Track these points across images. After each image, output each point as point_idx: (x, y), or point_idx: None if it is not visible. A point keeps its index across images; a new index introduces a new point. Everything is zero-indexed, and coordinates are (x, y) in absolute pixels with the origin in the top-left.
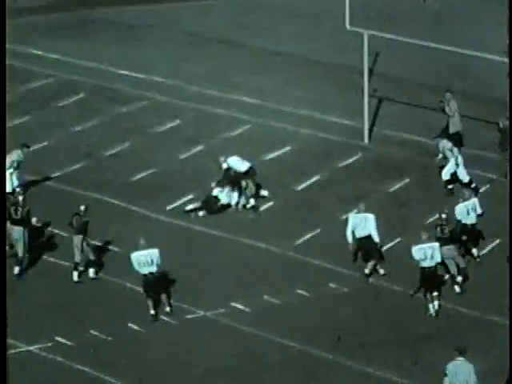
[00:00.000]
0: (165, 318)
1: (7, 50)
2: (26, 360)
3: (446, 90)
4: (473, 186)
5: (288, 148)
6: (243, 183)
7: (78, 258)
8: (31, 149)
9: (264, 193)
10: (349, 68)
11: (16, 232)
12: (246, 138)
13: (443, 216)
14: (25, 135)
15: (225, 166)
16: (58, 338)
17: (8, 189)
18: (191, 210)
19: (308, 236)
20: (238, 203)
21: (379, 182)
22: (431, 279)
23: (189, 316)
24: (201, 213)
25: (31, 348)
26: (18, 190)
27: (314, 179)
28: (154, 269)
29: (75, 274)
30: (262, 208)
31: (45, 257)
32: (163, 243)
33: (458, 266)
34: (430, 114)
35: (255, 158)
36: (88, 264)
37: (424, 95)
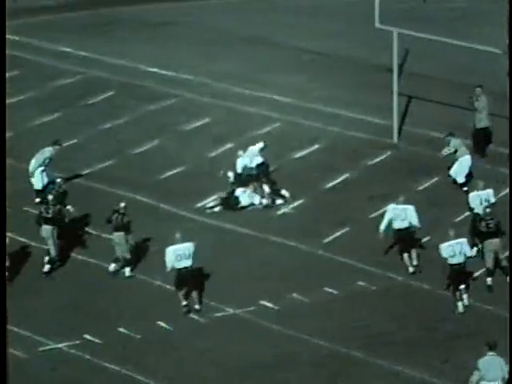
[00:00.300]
0: (194, 316)
1: (36, 47)
2: (55, 358)
3: (477, 86)
4: (465, 189)
5: (317, 146)
6: (254, 185)
7: (126, 254)
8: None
9: (284, 193)
10: (378, 66)
11: (45, 231)
12: (274, 136)
13: (487, 210)
14: (54, 133)
15: (230, 174)
16: (87, 336)
17: (39, 186)
18: (210, 207)
19: (336, 234)
20: (260, 203)
21: (408, 180)
22: (460, 276)
23: (218, 314)
24: (217, 208)
25: (60, 346)
26: (54, 185)
27: (343, 177)
28: (189, 263)
29: (127, 270)
30: (291, 206)
31: (73, 254)
32: (192, 241)
33: (496, 259)
34: (460, 112)
35: (284, 156)
36: (125, 262)
37: (453, 93)
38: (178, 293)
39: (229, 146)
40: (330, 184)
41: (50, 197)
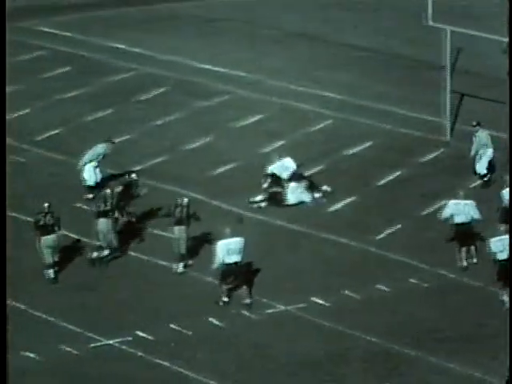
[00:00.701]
0: (245, 313)
1: (89, 43)
2: (107, 354)
3: None
4: (485, 179)
5: (369, 143)
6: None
7: (183, 249)
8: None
9: (326, 188)
10: (430, 63)
11: (102, 224)
12: (327, 133)
13: None
14: (106, 128)
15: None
16: (139, 333)
17: (91, 182)
18: (256, 202)
19: (389, 231)
20: (312, 199)
21: (460, 177)
22: (508, 271)
23: (269, 310)
24: (263, 204)
25: (111, 342)
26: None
27: (395, 175)
28: (239, 258)
29: (181, 266)
30: (343, 203)
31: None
32: (244, 237)
33: None
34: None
35: (336, 153)
36: (180, 257)
37: (505, 91)
38: (222, 287)
39: (281, 142)
40: (382, 181)
41: (108, 191)
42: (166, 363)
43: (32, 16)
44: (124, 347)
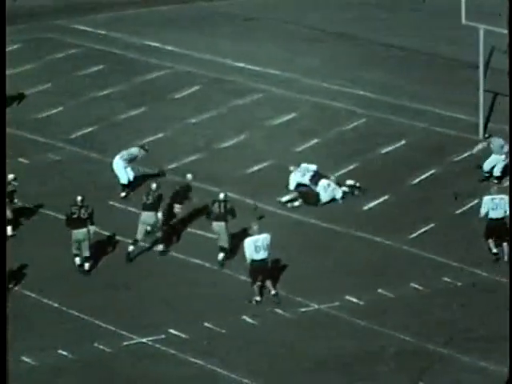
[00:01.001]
0: (279, 311)
1: (123, 41)
2: (139, 352)
3: None
4: (486, 175)
5: (403, 142)
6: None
7: (224, 242)
8: (146, 140)
9: (352, 183)
10: (464, 62)
11: (148, 217)
12: (361, 132)
13: None
14: (140, 127)
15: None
16: (172, 331)
17: (125, 181)
18: (288, 201)
19: (422, 230)
20: (343, 197)
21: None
22: None
23: (302, 309)
24: (296, 203)
25: (144, 340)
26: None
27: (429, 173)
28: (266, 254)
29: (221, 255)
30: (377, 201)
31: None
32: (277, 236)
33: None
34: None
35: (370, 152)
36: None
37: None
38: (254, 285)
39: (315, 140)
40: (416, 180)
41: (154, 185)
42: (199, 361)
43: (67, 14)
44: (157, 345)
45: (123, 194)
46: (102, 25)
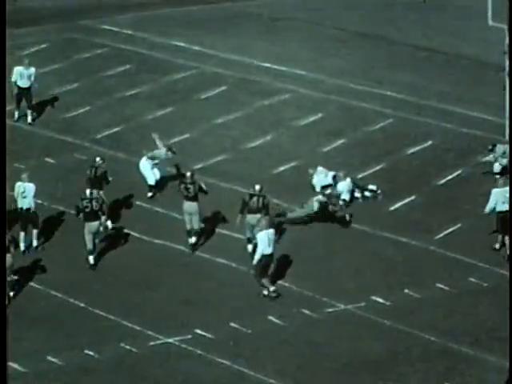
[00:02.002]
0: (305, 311)
1: (150, 41)
2: (166, 352)
3: None
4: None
5: (430, 142)
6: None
7: (249, 234)
8: (173, 141)
9: (372, 187)
10: (492, 63)
11: (191, 207)
12: (387, 132)
13: None
14: (166, 127)
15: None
16: (198, 331)
17: (152, 182)
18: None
19: (449, 230)
20: (363, 197)
21: None
22: None
23: (329, 309)
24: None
25: (171, 340)
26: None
27: (456, 174)
28: (271, 250)
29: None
30: (403, 202)
31: (183, 248)
32: (304, 236)
33: None
34: None
35: (397, 152)
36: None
37: None
38: (262, 281)
39: (342, 141)
40: (443, 180)
41: (189, 173)
42: (225, 362)
43: (94, 14)
44: (183, 346)
45: (150, 194)
46: (128, 25)
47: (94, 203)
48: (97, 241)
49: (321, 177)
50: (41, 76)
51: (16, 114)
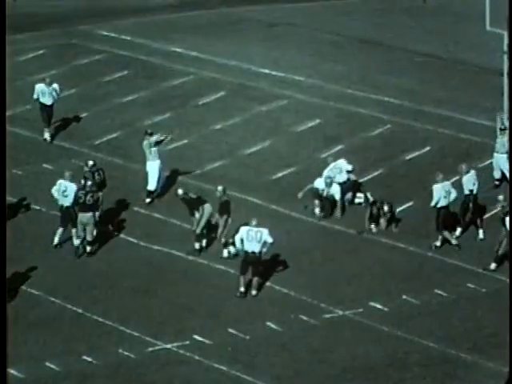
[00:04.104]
0: (303, 317)
1: (148, 47)
2: (164, 358)
3: None
4: (496, 183)
5: (428, 148)
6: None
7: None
8: (171, 147)
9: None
10: (490, 69)
11: (206, 208)
12: (386, 138)
13: None
14: (165, 132)
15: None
16: (196, 337)
17: (151, 188)
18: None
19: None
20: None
21: None
22: None
23: (327, 315)
24: (317, 211)
25: (169, 346)
26: None
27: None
28: (259, 248)
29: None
30: (402, 208)
31: (183, 254)
32: (302, 241)
33: None
34: None
35: (395, 158)
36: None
37: None
38: (241, 277)
39: (340, 147)
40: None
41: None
42: (223, 367)
43: (92, 20)
44: (182, 351)
45: (148, 200)
46: (126, 30)
47: (88, 197)
48: (90, 234)
49: (334, 172)
50: (38, 82)
51: (47, 135)
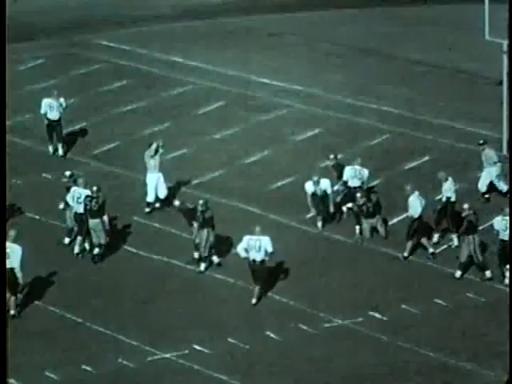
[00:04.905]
0: (303, 327)
1: (147, 56)
2: (164, 367)
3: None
4: (486, 196)
5: (427, 158)
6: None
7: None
8: (170, 156)
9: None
10: (489, 78)
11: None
12: (385, 148)
13: None
14: (165, 142)
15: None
16: (196, 346)
17: (150, 199)
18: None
19: (445, 246)
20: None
21: None
22: None
23: (326, 325)
24: (319, 224)
25: (168, 355)
26: None
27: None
28: (259, 256)
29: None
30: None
31: (182, 264)
32: (302, 252)
33: None
34: None
35: (394, 168)
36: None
37: None
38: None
39: (339, 156)
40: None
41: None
42: (222, 377)
43: (91, 29)
44: (181, 361)
45: (147, 210)
46: (125, 40)
47: (93, 202)
48: (103, 238)
49: (351, 172)
50: (38, 92)
51: (50, 148)
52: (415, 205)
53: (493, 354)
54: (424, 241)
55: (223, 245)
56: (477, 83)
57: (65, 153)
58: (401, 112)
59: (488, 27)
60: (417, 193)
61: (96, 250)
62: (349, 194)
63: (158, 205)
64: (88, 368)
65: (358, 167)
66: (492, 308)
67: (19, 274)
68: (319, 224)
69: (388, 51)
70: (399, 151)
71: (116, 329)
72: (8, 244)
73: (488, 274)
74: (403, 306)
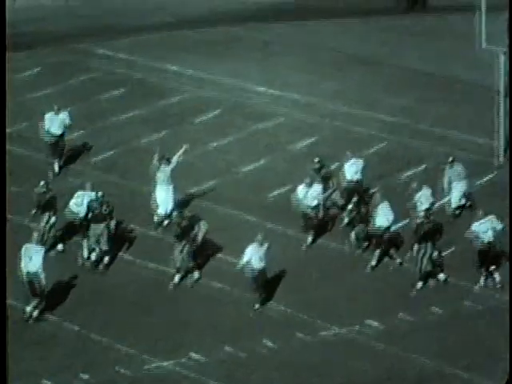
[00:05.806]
0: (299, 335)
1: (143, 65)
2: (161, 375)
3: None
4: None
5: (424, 166)
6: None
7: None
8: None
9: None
10: (486, 87)
11: (202, 225)
12: (382, 156)
13: None
14: (162, 150)
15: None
16: (193, 354)
17: (162, 211)
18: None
19: (443, 254)
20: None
21: None
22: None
23: (323, 333)
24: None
25: (165, 363)
26: None
27: (449, 197)
28: (262, 264)
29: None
30: (398, 225)
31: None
32: (300, 260)
33: None
34: None
35: (390, 176)
36: None
37: None
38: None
39: (336, 164)
40: (438, 204)
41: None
42: None
43: (88, 38)
44: (178, 369)
45: (156, 220)
46: (122, 49)
47: (104, 207)
48: (105, 244)
49: (353, 168)
50: (35, 100)
51: (56, 167)
52: (387, 213)
53: (490, 362)
54: (392, 251)
55: (219, 252)
56: (474, 92)
57: (60, 168)
58: (398, 120)
59: (485, 36)
60: (386, 202)
61: (94, 256)
62: (351, 190)
63: (166, 222)
64: (85, 376)
65: (353, 160)
66: (489, 316)
67: (42, 276)
68: (309, 239)
69: (386, 60)
70: (396, 159)
71: (113, 337)
72: (29, 245)
73: (420, 285)
74: (400, 315)
